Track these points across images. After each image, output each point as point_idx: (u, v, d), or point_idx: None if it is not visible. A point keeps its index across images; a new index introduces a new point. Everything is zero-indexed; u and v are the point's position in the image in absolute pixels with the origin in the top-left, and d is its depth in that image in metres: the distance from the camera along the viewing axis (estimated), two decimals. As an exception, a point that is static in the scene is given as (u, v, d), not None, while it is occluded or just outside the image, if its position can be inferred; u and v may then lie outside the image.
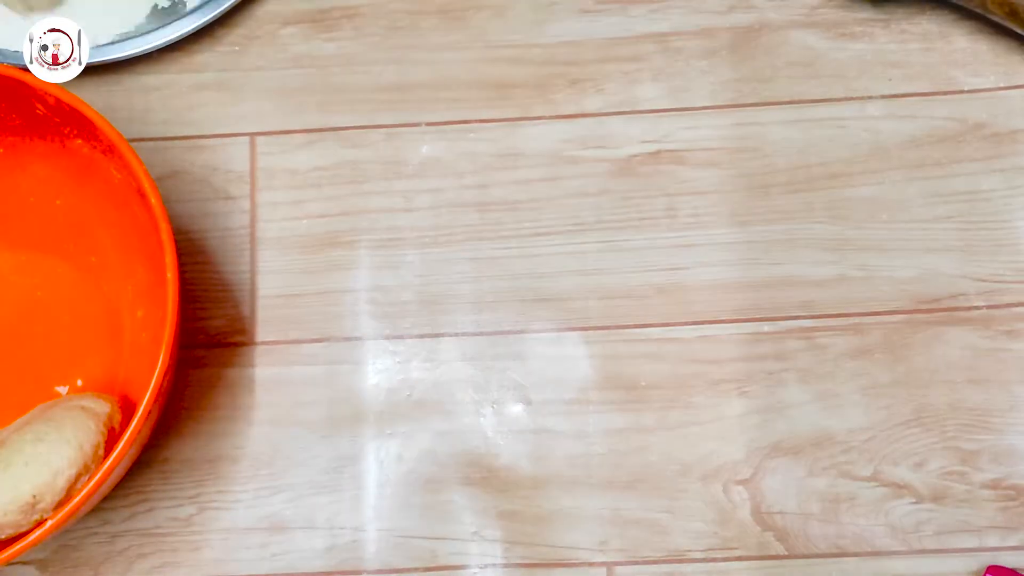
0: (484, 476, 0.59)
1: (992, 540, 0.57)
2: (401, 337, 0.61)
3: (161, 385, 0.50)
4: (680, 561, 0.58)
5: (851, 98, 0.62)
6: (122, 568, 0.59)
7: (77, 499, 0.48)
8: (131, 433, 0.49)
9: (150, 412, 0.50)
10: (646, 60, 0.64)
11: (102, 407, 0.54)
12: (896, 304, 0.60)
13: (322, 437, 0.60)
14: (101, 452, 0.51)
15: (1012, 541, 0.57)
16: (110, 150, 0.54)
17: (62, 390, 0.60)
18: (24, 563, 0.58)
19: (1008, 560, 0.57)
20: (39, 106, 0.55)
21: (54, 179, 0.60)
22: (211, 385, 0.61)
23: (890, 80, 0.62)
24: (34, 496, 0.49)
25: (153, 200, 0.52)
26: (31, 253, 0.62)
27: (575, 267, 0.62)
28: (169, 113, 0.64)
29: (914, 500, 0.58)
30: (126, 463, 0.52)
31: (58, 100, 0.54)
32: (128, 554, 0.59)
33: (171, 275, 0.51)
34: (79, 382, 0.60)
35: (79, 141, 0.56)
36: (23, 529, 0.50)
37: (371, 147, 0.63)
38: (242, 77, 0.65)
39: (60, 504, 0.50)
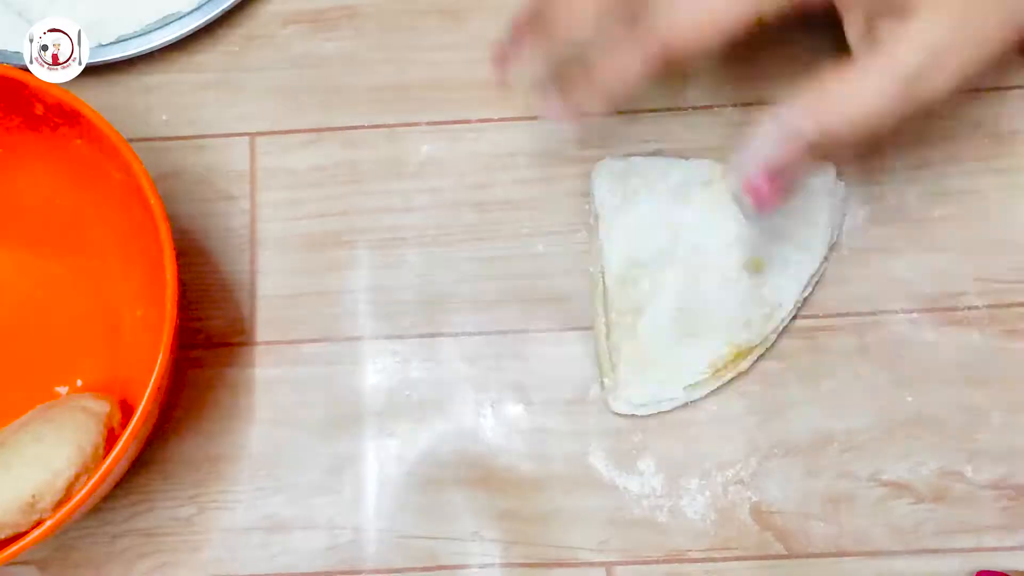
0: (484, 476, 0.59)
1: (991, 540, 0.57)
2: (401, 337, 0.61)
3: (160, 385, 0.50)
4: (680, 561, 0.58)
5: (851, 98, 0.62)
6: (122, 568, 0.59)
7: (76, 499, 0.48)
8: (129, 433, 0.49)
9: (149, 412, 0.50)
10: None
11: (102, 407, 0.54)
12: (896, 304, 0.60)
13: (322, 437, 0.60)
14: (101, 452, 0.51)
15: (1012, 541, 0.57)
16: (110, 150, 0.54)
17: (62, 390, 0.60)
18: (24, 563, 0.59)
19: (1008, 560, 0.57)
20: (39, 106, 0.55)
21: (53, 179, 0.60)
22: (211, 385, 0.61)
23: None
24: (34, 496, 0.49)
25: (152, 200, 0.52)
26: (30, 253, 0.62)
27: (575, 267, 0.61)
28: (169, 113, 0.64)
29: (913, 500, 0.58)
30: (125, 463, 0.52)
31: (58, 100, 0.54)
32: (128, 554, 0.59)
33: (170, 275, 0.51)
34: (79, 382, 0.60)
35: (79, 141, 0.56)
36: (23, 529, 0.50)
37: (371, 147, 0.63)
38: (242, 77, 0.65)
39: (60, 504, 0.50)
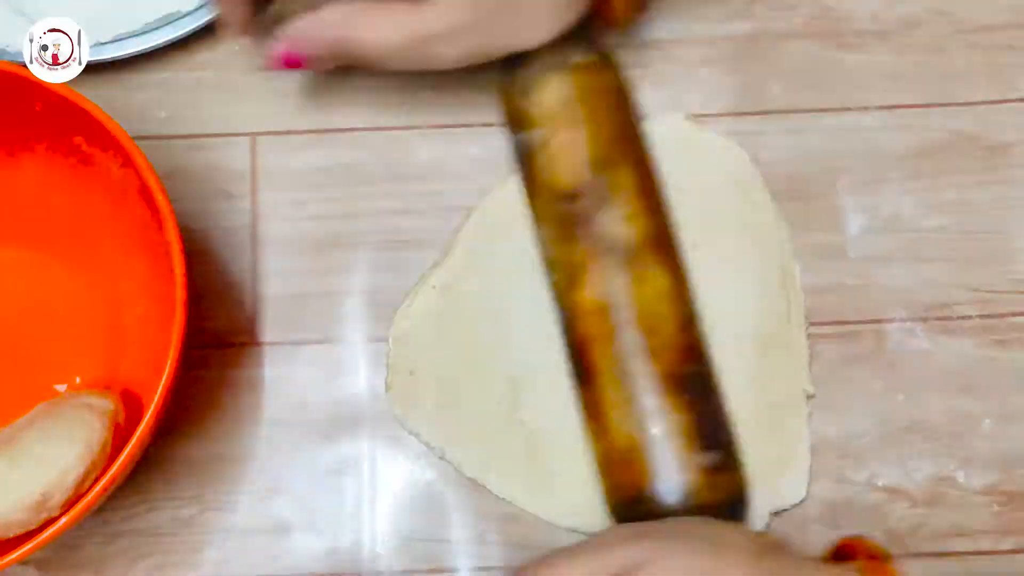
0: (485, 478, 0.60)
1: (986, 544, 0.58)
2: (402, 339, 0.61)
3: (171, 382, 0.50)
4: (677, 564, 0.59)
5: (848, 108, 0.63)
6: (123, 568, 0.58)
7: (89, 498, 0.48)
8: (142, 431, 0.48)
9: (160, 410, 0.49)
10: (646, 67, 0.64)
11: (106, 404, 0.53)
12: (890, 312, 0.61)
13: (324, 438, 0.60)
14: (108, 449, 0.51)
15: (1006, 545, 0.58)
16: (111, 146, 0.53)
17: (60, 388, 0.59)
18: (23, 563, 0.57)
19: (1003, 564, 0.58)
20: (38, 103, 0.55)
21: (52, 176, 0.59)
22: (212, 385, 0.60)
23: (886, 91, 0.63)
24: (43, 495, 0.49)
25: (159, 197, 0.52)
26: (28, 251, 0.61)
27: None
28: (169, 112, 0.64)
29: (909, 504, 0.59)
30: (133, 462, 0.52)
31: (58, 96, 0.53)
32: (129, 554, 0.59)
33: (179, 271, 0.51)
34: (77, 379, 0.60)
35: (78, 138, 0.56)
36: (31, 527, 0.49)
37: (372, 149, 0.63)
38: (243, 76, 0.64)
39: (69, 502, 0.49)
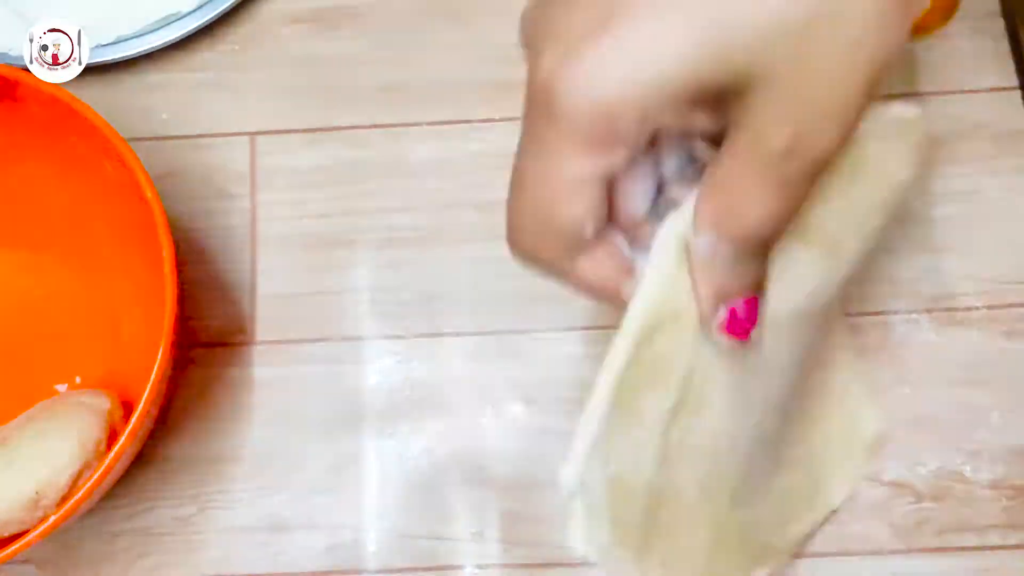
0: (484, 476, 0.59)
1: (993, 538, 0.57)
2: (401, 337, 0.61)
3: (161, 377, 0.50)
4: (681, 561, 0.58)
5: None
6: (122, 567, 0.58)
7: (80, 494, 0.48)
8: (131, 428, 0.48)
9: (151, 406, 0.49)
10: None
11: (103, 403, 0.53)
12: (896, 304, 0.60)
13: (322, 437, 0.60)
14: (103, 448, 0.51)
15: (1013, 540, 0.57)
16: (104, 146, 0.53)
17: (60, 388, 0.60)
18: (23, 562, 0.58)
19: (1011, 559, 0.57)
20: (33, 104, 0.55)
21: (49, 177, 0.60)
22: (211, 384, 0.60)
23: (892, 80, 0.63)
24: (37, 493, 0.49)
25: (149, 194, 0.52)
26: (27, 252, 0.62)
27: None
28: (169, 112, 0.64)
29: (914, 499, 0.58)
30: (126, 460, 0.52)
31: (53, 98, 0.53)
32: (128, 553, 0.59)
33: (168, 268, 0.51)
34: (77, 379, 0.60)
35: (74, 138, 0.56)
36: (27, 526, 0.50)
37: (371, 147, 0.63)
38: (242, 76, 0.65)
39: (64, 500, 0.49)
